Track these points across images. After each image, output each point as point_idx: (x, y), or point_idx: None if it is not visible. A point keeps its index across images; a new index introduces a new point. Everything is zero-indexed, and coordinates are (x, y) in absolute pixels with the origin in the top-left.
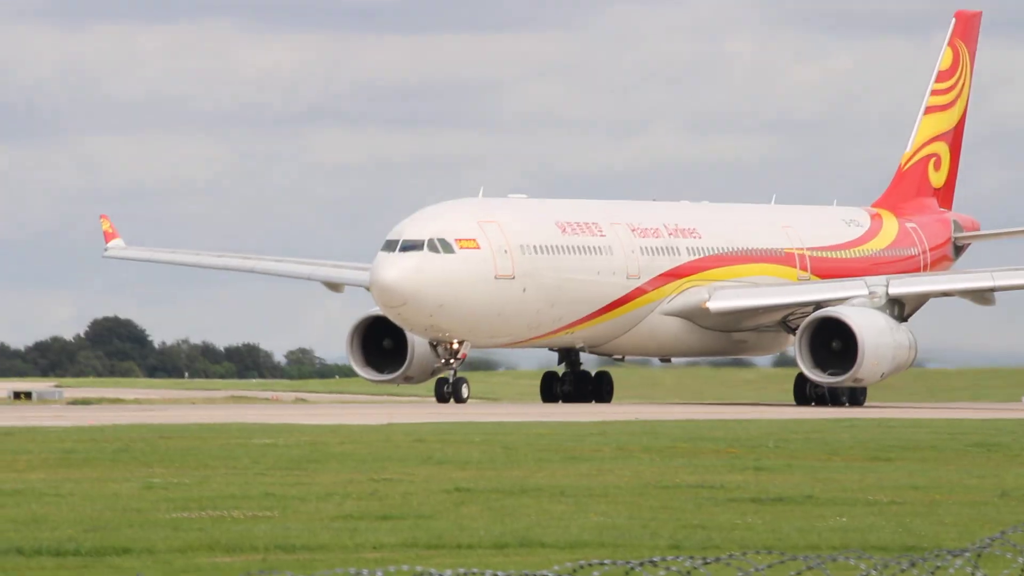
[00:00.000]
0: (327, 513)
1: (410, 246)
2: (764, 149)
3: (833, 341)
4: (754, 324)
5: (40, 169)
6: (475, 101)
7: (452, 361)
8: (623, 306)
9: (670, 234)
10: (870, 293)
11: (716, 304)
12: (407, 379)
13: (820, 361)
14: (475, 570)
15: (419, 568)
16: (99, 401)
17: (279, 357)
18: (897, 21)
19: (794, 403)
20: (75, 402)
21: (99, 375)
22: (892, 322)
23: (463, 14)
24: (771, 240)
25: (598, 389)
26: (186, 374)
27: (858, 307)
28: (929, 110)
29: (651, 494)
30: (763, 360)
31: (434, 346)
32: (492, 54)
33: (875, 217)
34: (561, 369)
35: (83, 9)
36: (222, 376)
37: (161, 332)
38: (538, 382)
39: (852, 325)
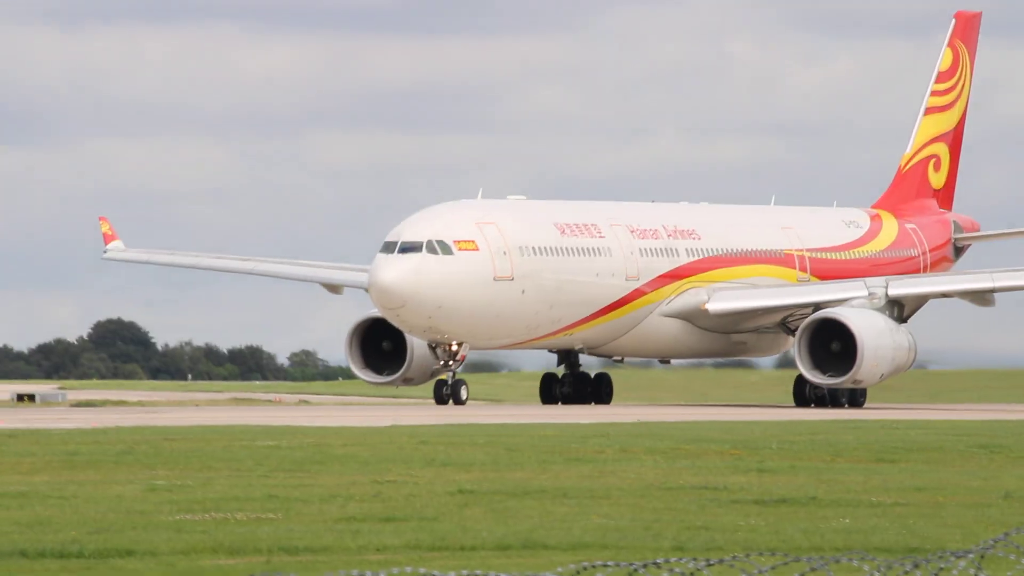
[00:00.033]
0: (330, 515)
1: (409, 248)
2: (764, 150)
3: (832, 342)
4: (753, 325)
5: (43, 171)
6: (477, 104)
7: (451, 363)
8: (622, 307)
9: (669, 235)
10: (869, 294)
11: (715, 305)
12: (406, 381)
13: (819, 363)
14: (478, 572)
15: (422, 570)
16: (102, 403)
17: (282, 359)
18: (897, 22)
19: (794, 405)
20: (78, 404)
21: (102, 377)
22: (891, 323)
23: (465, 17)
24: (770, 241)
25: (597, 391)
26: (189, 376)
27: (857, 308)
28: (929, 111)
29: (654, 495)
30: (766, 362)
31: (433, 348)
32: (494, 56)
33: (875, 218)
34: (560, 371)
35: (85, 12)
36: (225, 378)
37: (164, 334)
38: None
39: (851, 326)
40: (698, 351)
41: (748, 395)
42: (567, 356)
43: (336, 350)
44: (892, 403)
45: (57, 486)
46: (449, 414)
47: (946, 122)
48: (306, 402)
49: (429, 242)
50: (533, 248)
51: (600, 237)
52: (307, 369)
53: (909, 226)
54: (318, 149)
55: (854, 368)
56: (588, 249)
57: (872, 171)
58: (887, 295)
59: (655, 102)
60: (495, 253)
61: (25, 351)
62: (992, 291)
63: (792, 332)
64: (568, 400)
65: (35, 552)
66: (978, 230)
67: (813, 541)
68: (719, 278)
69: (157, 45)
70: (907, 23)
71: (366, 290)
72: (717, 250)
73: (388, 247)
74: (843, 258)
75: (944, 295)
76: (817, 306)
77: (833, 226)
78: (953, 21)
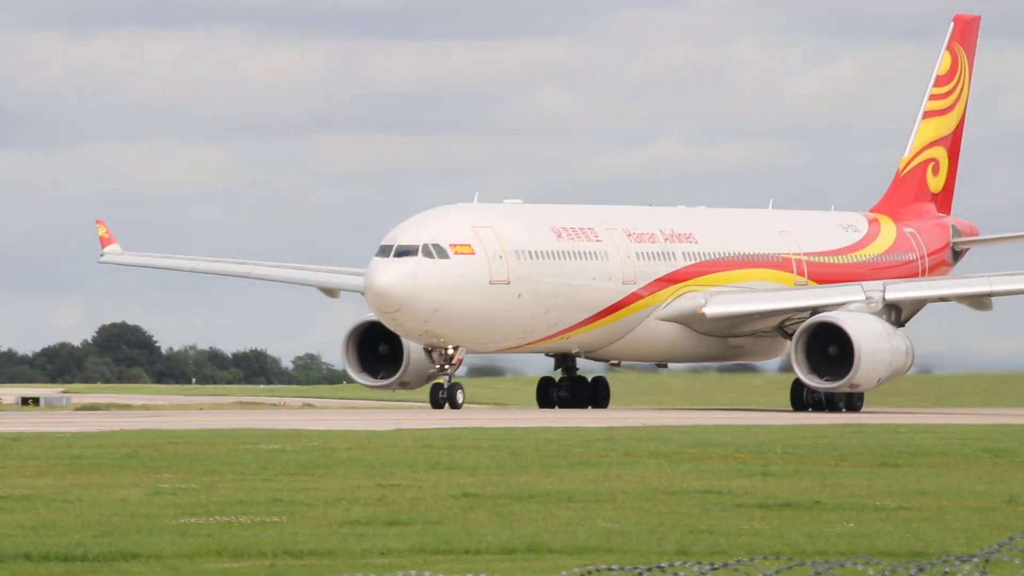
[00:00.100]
0: (335, 519)
1: (404, 251)
2: (762, 154)
3: (830, 347)
4: (751, 329)
5: (49, 175)
6: (480, 107)
7: (447, 367)
8: (619, 311)
9: (666, 239)
10: (867, 298)
11: (712, 309)
12: (403, 384)
13: (817, 367)
14: (483, 575)
15: (427, 574)
16: (107, 407)
17: (286, 363)
18: (896, 26)
19: (791, 409)
20: (83, 408)
21: (107, 381)
22: (889, 327)
23: (469, 22)
24: (768, 245)
25: (594, 394)
26: (193, 380)
27: (855, 312)
28: (927, 114)
29: (658, 499)
30: (769, 366)
31: (429, 352)
32: (497, 60)
33: (873, 222)
34: (558, 375)
35: (90, 16)
36: (229, 382)
37: (169, 338)
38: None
39: (848, 330)
40: (695, 355)
41: (751, 399)
42: (564, 360)
43: (341, 354)
44: (890, 407)
45: (61, 489)
46: (447, 418)
47: (945, 126)
48: (310, 406)
49: (425, 246)
50: (529, 252)
51: (597, 241)
52: (311, 373)
53: (907, 230)
54: (322, 152)
55: (851, 372)
56: (584, 253)
57: (870, 175)
58: (884, 299)
59: (657, 107)
60: (491, 257)
61: (30, 355)
62: (990, 295)
63: (790, 336)
64: (565, 404)
65: (39, 555)
66: (977, 234)
67: (817, 545)
68: (716, 282)
69: (161, 49)
70: (906, 26)
71: (363, 294)
72: (714, 254)
73: (384, 251)
74: (841, 262)
75: (942, 299)
76: (814, 310)
77: (831, 230)
78: (952, 24)
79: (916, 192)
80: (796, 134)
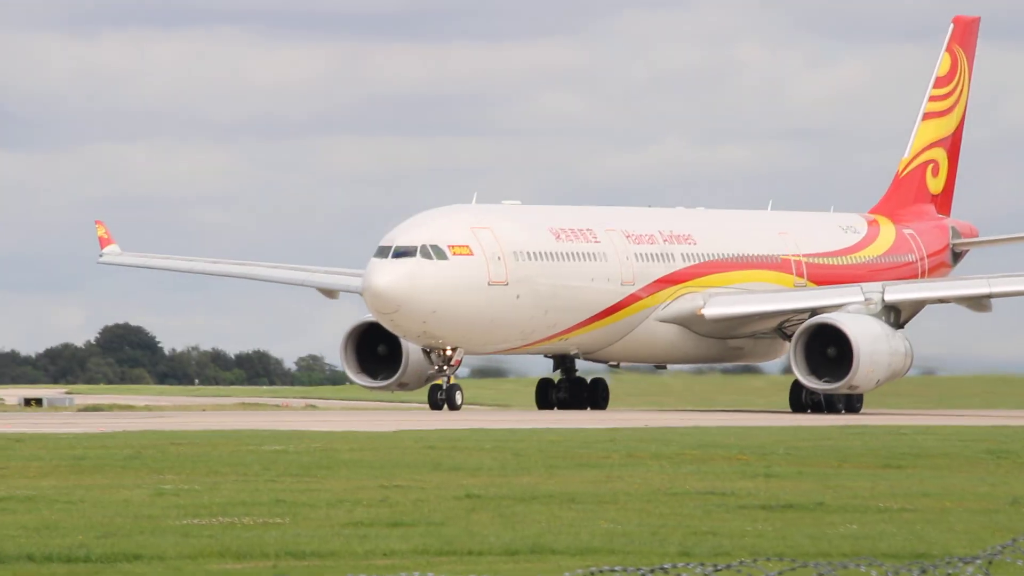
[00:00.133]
0: (337, 520)
1: (403, 252)
2: (761, 155)
3: (829, 348)
4: (750, 331)
5: (52, 176)
6: (484, 109)
7: (445, 368)
8: (617, 313)
9: (665, 240)
10: (866, 300)
11: (711, 311)
12: (401, 386)
13: (815, 368)
14: None
15: (430, 575)
16: (110, 408)
17: (289, 364)
18: (895, 27)
19: (790, 410)
20: (86, 409)
21: (110, 382)
22: (888, 329)
23: (472, 23)
24: (767, 246)
25: (594, 396)
26: (196, 381)
27: (854, 314)
28: (927, 116)
29: (661, 501)
30: (772, 367)
31: (427, 353)
32: (501, 62)
33: (872, 223)
34: (556, 376)
35: (95, 18)
36: (232, 383)
37: (172, 339)
38: None
39: (847, 332)
40: (694, 356)
41: (751, 401)
42: (563, 361)
43: None
44: (892, 408)
45: (64, 490)
46: (449, 419)
47: (944, 127)
48: (313, 407)
49: (423, 247)
50: (528, 253)
51: (595, 242)
52: (314, 374)
53: (907, 231)
54: (325, 154)
55: (850, 374)
56: (583, 254)
57: (870, 176)
58: (883, 300)
59: (657, 108)
60: (490, 258)
61: (33, 356)
62: (989, 296)
63: (789, 337)
64: (564, 405)
65: (42, 556)
66: (977, 235)
67: (820, 547)
68: (715, 283)
69: (163, 50)
70: (906, 28)
71: (361, 295)
72: (713, 255)
73: (382, 252)
74: (840, 263)
75: (941, 300)
76: (813, 311)
77: (830, 231)
78: (952, 26)
79: (916, 193)
80: (795, 135)
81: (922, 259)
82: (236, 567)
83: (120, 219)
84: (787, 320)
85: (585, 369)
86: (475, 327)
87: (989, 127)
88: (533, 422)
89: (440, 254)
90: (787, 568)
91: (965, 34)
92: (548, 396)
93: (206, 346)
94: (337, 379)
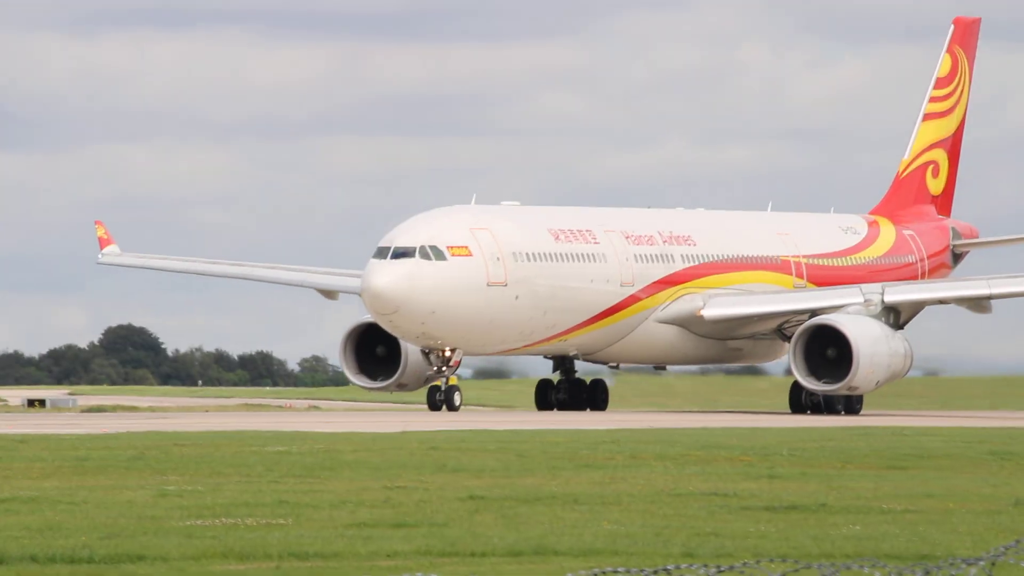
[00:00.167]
0: (341, 521)
1: (402, 253)
2: (761, 156)
3: (828, 349)
4: (749, 332)
5: (54, 176)
6: (485, 110)
7: (444, 369)
8: (617, 314)
9: (664, 241)
10: (865, 301)
11: (710, 312)
12: (400, 386)
13: (815, 369)
14: None
15: None
16: (113, 409)
17: (293, 365)
18: (896, 28)
19: (789, 411)
20: (89, 410)
21: (113, 383)
22: (887, 330)
23: (474, 24)
24: (767, 247)
25: (593, 397)
26: (200, 382)
27: (853, 315)
28: (927, 117)
29: (664, 502)
30: (774, 368)
31: (426, 354)
32: (502, 62)
33: (872, 224)
34: (556, 377)
35: (96, 18)
36: (236, 384)
37: (175, 340)
38: None
39: (847, 333)
40: (693, 357)
41: (751, 402)
42: (562, 362)
43: None
44: (895, 409)
45: (67, 491)
46: (452, 420)
47: (945, 128)
48: (316, 408)
49: (422, 247)
50: (527, 254)
51: (595, 243)
52: (317, 375)
53: (907, 232)
54: (326, 154)
55: (849, 375)
56: (582, 255)
57: (870, 177)
58: (883, 301)
59: (656, 109)
60: (488, 259)
61: (36, 357)
62: (989, 298)
63: (788, 339)
64: (563, 406)
65: (45, 557)
66: (977, 237)
67: (823, 548)
68: (715, 284)
69: (164, 50)
70: (906, 29)
71: (360, 295)
72: (713, 256)
73: (381, 252)
74: (840, 264)
75: (941, 302)
76: (813, 312)
77: (830, 232)
78: (952, 27)
79: (916, 194)
80: (796, 136)
81: (922, 260)
82: (239, 568)
83: (121, 219)
84: (787, 321)
85: (585, 370)
86: (474, 328)
87: (989, 128)
88: (534, 423)
89: (439, 255)
90: (790, 569)
91: (966, 35)
92: (547, 397)
93: (209, 347)
94: (340, 380)
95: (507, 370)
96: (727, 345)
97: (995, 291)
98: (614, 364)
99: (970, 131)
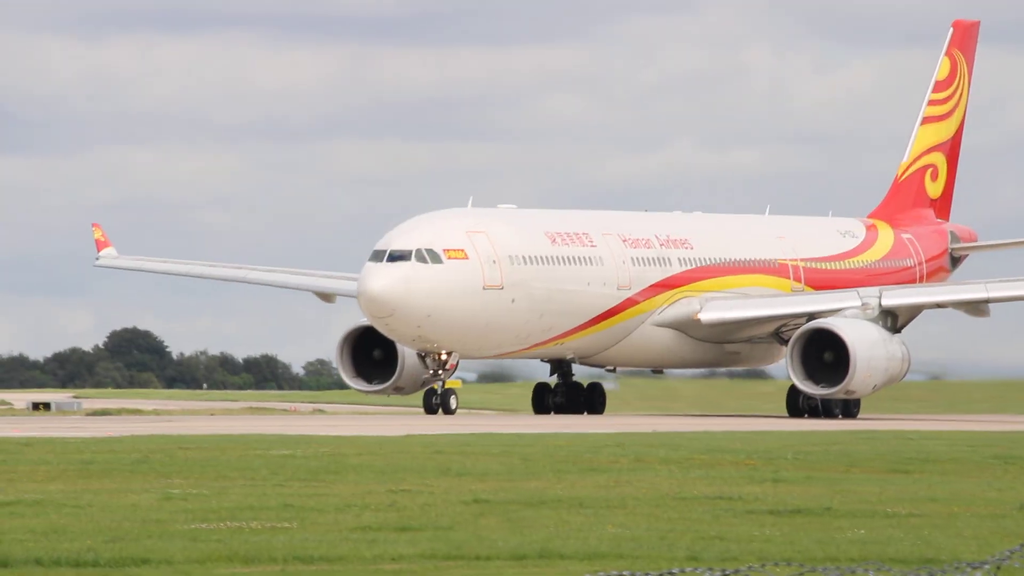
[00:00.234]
0: (345, 524)
1: (398, 256)
2: (760, 159)
3: (826, 353)
4: (746, 335)
5: (59, 180)
6: (490, 113)
7: (440, 372)
8: (613, 317)
9: (661, 245)
10: (863, 304)
11: (708, 315)
12: (397, 390)
13: (812, 373)
14: None
15: None
16: (118, 412)
17: (297, 368)
18: (895, 31)
19: (787, 415)
20: (94, 413)
21: (118, 386)
22: (885, 334)
23: (480, 27)
24: (765, 251)
25: (591, 400)
26: (204, 385)
27: (850, 318)
28: (926, 120)
29: (669, 505)
30: (778, 371)
31: (423, 357)
32: (508, 66)
33: (871, 228)
34: (553, 380)
35: (104, 21)
36: (240, 387)
37: (180, 343)
38: None
39: (844, 337)
40: (691, 361)
41: (750, 406)
42: (560, 366)
43: None
44: (892, 413)
45: (72, 495)
46: (455, 423)
47: (944, 131)
48: (321, 411)
49: (418, 251)
50: (523, 257)
51: (592, 246)
52: (322, 378)
53: (905, 236)
54: (333, 157)
55: (846, 379)
56: (579, 258)
57: (869, 180)
58: (880, 305)
59: (658, 110)
60: (485, 262)
61: (41, 360)
62: (986, 301)
63: (786, 342)
64: (561, 410)
65: (50, 560)
66: (976, 240)
67: (828, 552)
68: (712, 288)
69: (172, 54)
70: (905, 32)
71: (357, 299)
72: (710, 259)
73: (377, 255)
74: (838, 268)
75: (938, 305)
76: (810, 316)
77: (828, 236)
78: (951, 30)
79: (914, 198)
80: (794, 139)
81: (920, 264)
82: (244, 571)
83: (126, 222)
84: (784, 325)
85: (583, 374)
86: (470, 331)
87: (988, 131)
88: (534, 427)
89: (435, 258)
90: (795, 573)
91: (965, 38)
92: (545, 401)
93: (214, 350)
94: (345, 384)
95: (511, 374)
96: (724, 349)
97: (993, 295)
98: (611, 368)
99: (969, 134)
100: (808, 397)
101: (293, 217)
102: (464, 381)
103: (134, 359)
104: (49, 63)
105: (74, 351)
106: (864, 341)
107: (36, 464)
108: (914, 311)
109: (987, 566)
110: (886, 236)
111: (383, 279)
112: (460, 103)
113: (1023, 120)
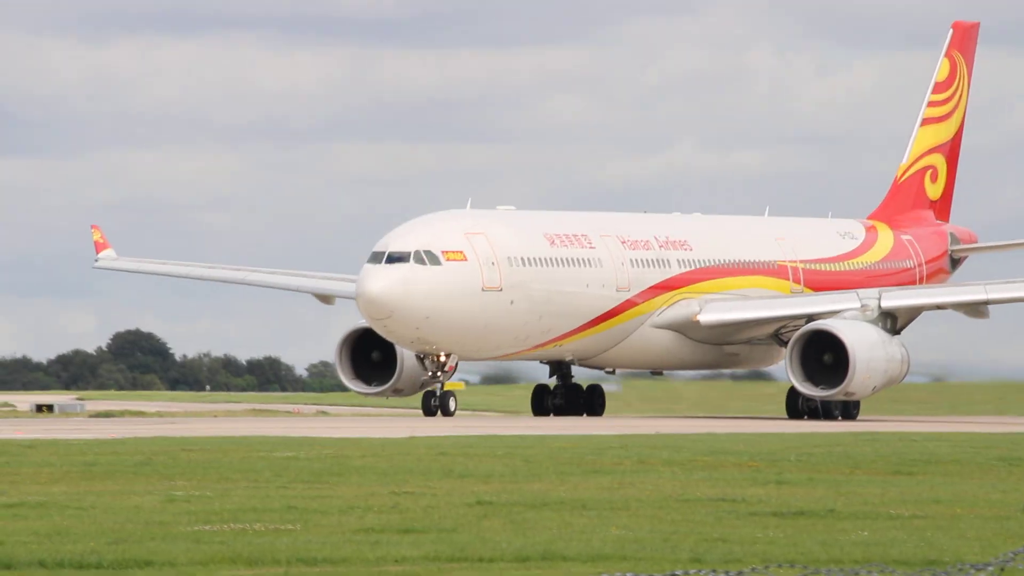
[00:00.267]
0: (349, 526)
1: (396, 258)
2: (759, 160)
3: (825, 354)
4: (746, 337)
5: (61, 181)
6: (493, 115)
7: (439, 374)
8: (612, 319)
9: (661, 246)
10: (862, 306)
11: (707, 317)
12: (396, 392)
13: (812, 374)
14: None
15: None
16: (121, 414)
17: (300, 370)
18: (895, 33)
19: (786, 417)
20: (97, 415)
21: (121, 388)
22: (884, 335)
23: (482, 29)
24: (764, 252)
25: (590, 402)
26: (207, 387)
27: (850, 320)
28: (926, 122)
29: (672, 507)
30: (781, 373)
31: (421, 359)
32: (509, 68)
33: (870, 229)
34: (552, 382)
35: (106, 22)
36: (243, 389)
37: (183, 345)
38: None
39: (843, 338)
40: (690, 363)
41: (762, 407)
42: (559, 367)
43: None
44: (893, 415)
45: (75, 496)
46: (459, 425)
47: (943, 133)
48: (324, 413)
49: (417, 252)
50: (522, 258)
51: (590, 248)
52: (325, 380)
53: (905, 237)
54: (335, 159)
55: (846, 380)
56: (578, 260)
57: (868, 182)
58: (880, 307)
59: (659, 112)
60: (483, 263)
61: (44, 362)
62: (986, 303)
63: (785, 344)
64: (560, 412)
65: (54, 562)
66: (975, 242)
67: (831, 553)
68: (711, 289)
69: (174, 55)
70: (905, 33)
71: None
72: (709, 261)
73: (375, 257)
74: (837, 269)
75: (938, 307)
76: (810, 318)
77: (827, 237)
78: (951, 31)
79: (914, 199)
80: (793, 141)
81: (920, 265)
82: (247, 573)
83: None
84: (783, 326)
85: (583, 376)
86: (469, 333)
87: (988, 132)
88: (537, 429)
89: (434, 260)
90: (799, 575)
91: (964, 40)
92: (544, 402)
93: (217, 352)
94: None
95: (514, 375)
96: (724, 350)
97: (992, 296)
98: (610, 369)
99: (969, 136)
100: (807, 399)
101: (293, 218)
102: (467, 383)
103: (137, 361)
104: (50, 64)
105: (77, 353)
106: (863, 343)
107: (39, 466)
108: (913, 312)
109: (991, 568)
110: (886, 237)
111: (381, 281)
112: (461, 104)
113: (1023, 121)
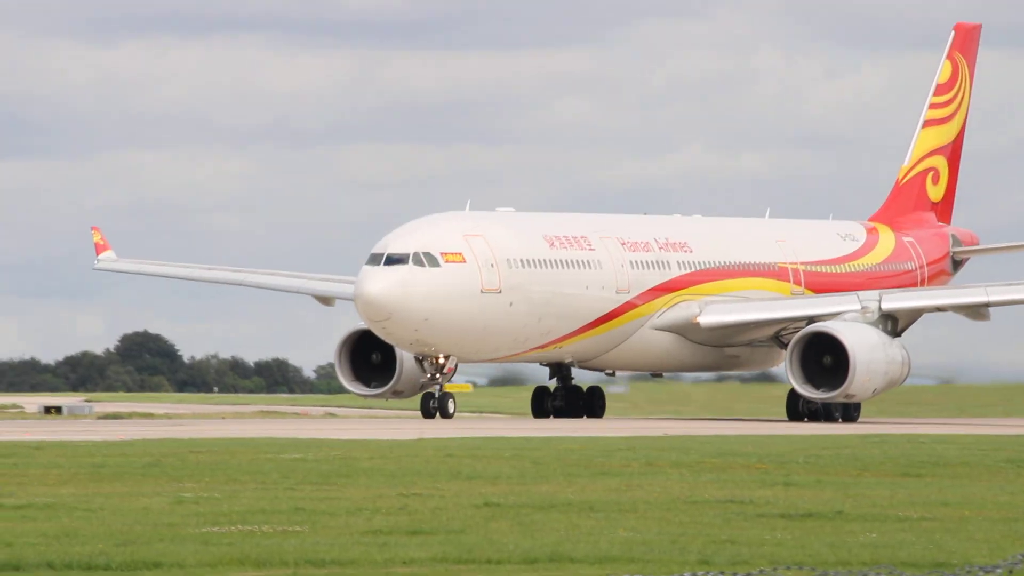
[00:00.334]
0: (357, 528)
1: (395, 259)
2: (759, 162)
3: (825, 356)
4: (746, 339)
5: (69, 183)
6: (499, 117)
7: (438, 376)
8: (612, 321)
9: (660, 248)
10: (862, 308)
11: (707, 319)
12: (396, 394)
13: (812, 376)
14: None
15: None
16: (129, 416)
17: (308, 372)
18: (896, 35)
19: (787, 419)
20: (105, 417)
21: (129, 390)
22: (885, 337)
23: (489, 31)
24: (764, 254)
25: (590, 404)
26: (215, 389)
27: (850, 322)
28: (927, 123)
29: (680, 509)
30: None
31: (420, 361)
32: (518, 70)
33: (871, 231)
34: (552, 384)
35: (114, 25)
36: (251, 391)
37: (191, 347)
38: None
39: (843, 340)
40: (690, 365)
41: (766, 410)
42: (559, 369)
43: None
44: (892, 417)
45: (84, 498)
46: (465, 427)
47: (945, 134)
48: (332, 415)
49: (416, 254)
50: (521, 260)
51: (590, 250)
52: (333, 382)
53: (906, 239)
54: (342, 161)
55: (846, 382)
56: (578, 261)
57: (869, 184)
58: (880, 309)
59: (661, 115)
60: (482, 265)
61: (52, 364)
62: (987, 305)
63: (785, 346)
64: (560, 414)
65: (62, 564)
66: (977, 244)
67: (840, 555)
68: (711, 291)
69: (182, 58)
70: (907, 36)
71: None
72: (709, 263)
73: (374, 259)
74: (838, 271)
75: (938, 309)
76: (810, 319)
77: (828, 239)
78: (953, 33)
79: (916, 201)
80: (795, 143)
81: (921, 267)
82: (256, 575)
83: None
84: (784, 328)
85: (584, 378)
86: (468, 335)
87: (990, 134)
88: (544, 430)
89: (432, 261)
90: None
91: (966, 41)
92: (544, 404)
93: (225, 354)
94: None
95: (521, 377)
96: (724, 352)
97: (993, 299)
98: (610, 371)
99: (970, 138)
100: (808, 401)
101: (299, 220)
102: (474, 384)
103: (145, 363)
104: (59, 66)
105: (85, 355)
106: (863, 345)
107: (48, 468)
108: (914, 315)
109: (999, 570)
110: (887, 239)
111: (380, 282)
112: (468, 107)
113: None
